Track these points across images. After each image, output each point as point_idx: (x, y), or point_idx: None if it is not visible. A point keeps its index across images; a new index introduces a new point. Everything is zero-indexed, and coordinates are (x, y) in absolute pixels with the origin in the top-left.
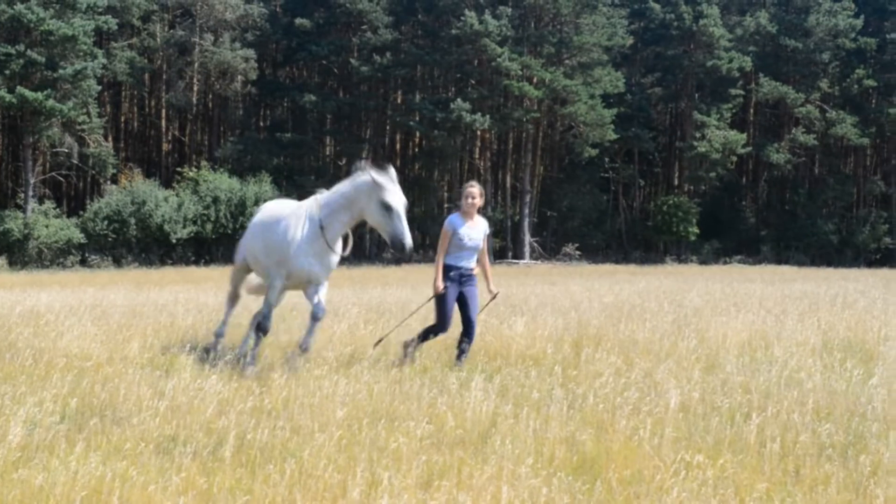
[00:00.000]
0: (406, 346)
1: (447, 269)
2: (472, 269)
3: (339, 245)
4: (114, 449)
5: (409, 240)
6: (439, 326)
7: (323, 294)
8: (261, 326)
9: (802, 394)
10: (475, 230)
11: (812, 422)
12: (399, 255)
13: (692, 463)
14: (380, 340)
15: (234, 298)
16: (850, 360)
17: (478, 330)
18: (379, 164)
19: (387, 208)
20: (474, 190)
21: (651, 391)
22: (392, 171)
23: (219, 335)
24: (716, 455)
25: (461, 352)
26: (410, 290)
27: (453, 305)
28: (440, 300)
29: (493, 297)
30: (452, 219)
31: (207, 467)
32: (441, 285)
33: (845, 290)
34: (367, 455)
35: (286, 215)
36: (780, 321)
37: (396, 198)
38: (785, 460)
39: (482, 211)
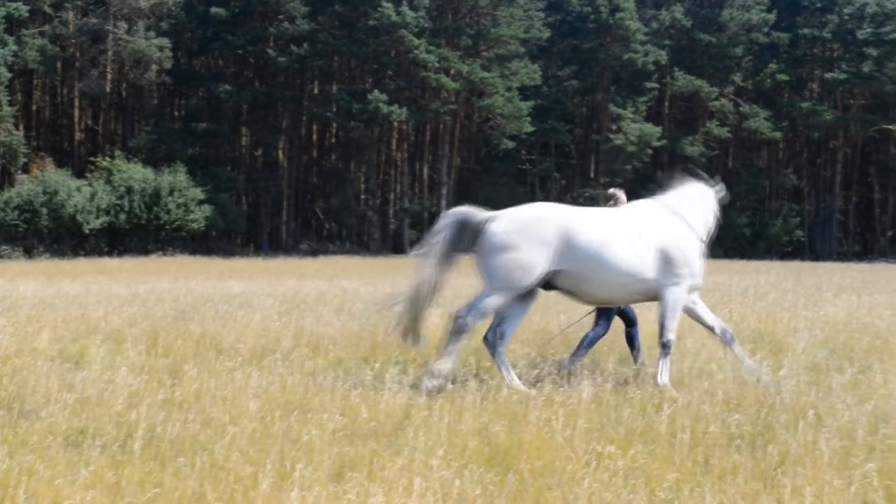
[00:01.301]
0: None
1: None
2: None
3: None
4: (21, 442)
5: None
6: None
7: None
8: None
9: (713, 385)
10: None
11: (722, 412)
12: None
13: (604, 453)
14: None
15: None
16: (761, 351)
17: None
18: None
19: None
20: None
21: (564, 383)
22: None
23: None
24: (627, 446)
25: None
26: (327, 281)
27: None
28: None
29: None
30: None
31: (116, 460)
32: None
33: (757, 283)
34: (279, 447)
35: None
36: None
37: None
38: (695, 450)
39: None
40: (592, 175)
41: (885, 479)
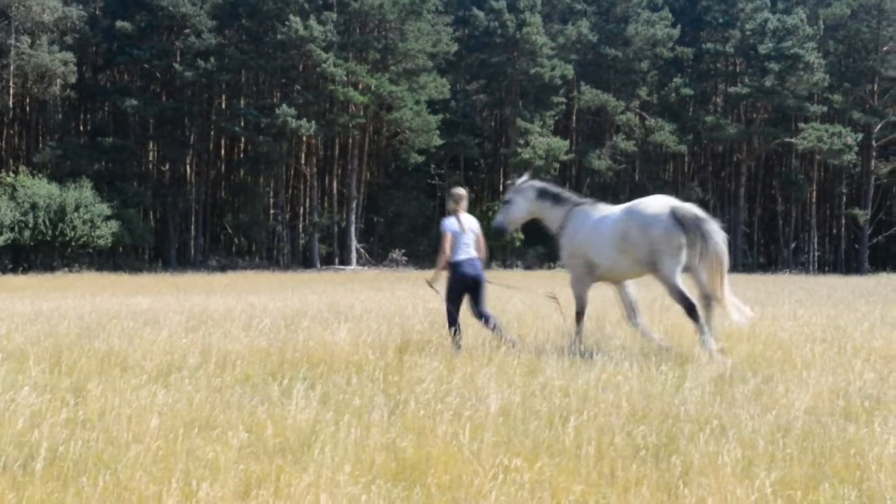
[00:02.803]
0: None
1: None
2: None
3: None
4: None
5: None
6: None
7: None
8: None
9: (619, 397)
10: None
11: (627, 424)
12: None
13: (510, 467)
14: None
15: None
16: (666, 363)
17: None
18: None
19: None
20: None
21: (472, 396)
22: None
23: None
24: (534, 458)
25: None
26: (235, 297)
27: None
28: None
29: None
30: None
31: (17, 482)
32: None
33: (663, 294)
34: (184, 465)
35: None
36: (600, 326)
37: None
38: (601, 462)
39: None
40: (501, 189)
41: (787, 489)
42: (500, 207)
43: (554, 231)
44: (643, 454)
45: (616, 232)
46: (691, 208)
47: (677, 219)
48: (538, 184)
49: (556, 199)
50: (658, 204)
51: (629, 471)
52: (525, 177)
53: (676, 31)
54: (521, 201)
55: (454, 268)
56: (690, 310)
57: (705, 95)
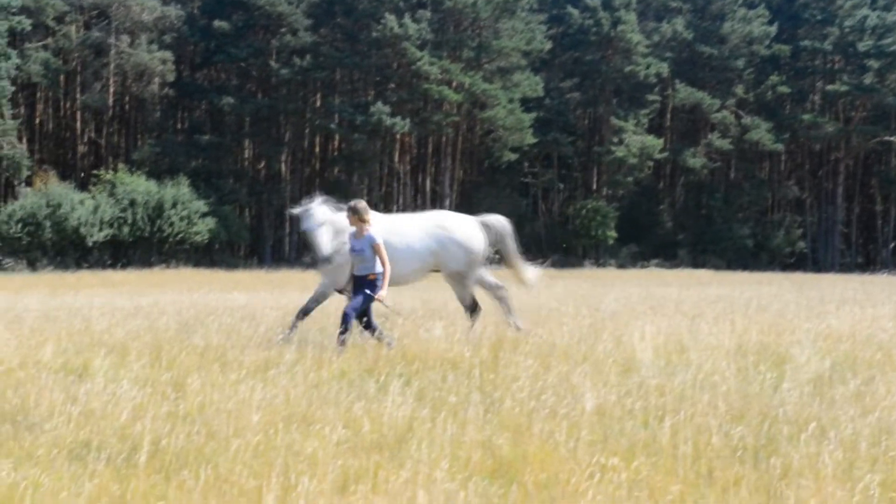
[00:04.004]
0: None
1: None
2: (363, 275)
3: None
4: (26, 455)
5: (321, 255)
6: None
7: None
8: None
9: (716, 397)
10: (357, 244)
11: (725, 424)
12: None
13: (607, 466)
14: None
15: None
16: (764, 363)
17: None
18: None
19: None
20: (348, 208)
21: (568, 395)
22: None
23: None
24: (630, 458)
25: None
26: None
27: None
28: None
29: (381, 301)
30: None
31: (121, 474)
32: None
33: (759, 294)
34: (283, 460)
35: None
36: (696, 325)
37: (305, 225)
38: (698, 462)
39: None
40: (595, 187)
41: (888, 491)
42: (317, 234)
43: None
44: (741, 455)
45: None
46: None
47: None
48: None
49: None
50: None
51: (727, 471)
52: (317, 199)
53: (773, 29)
54: (328, 218)
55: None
56: None
57: (802, 93)
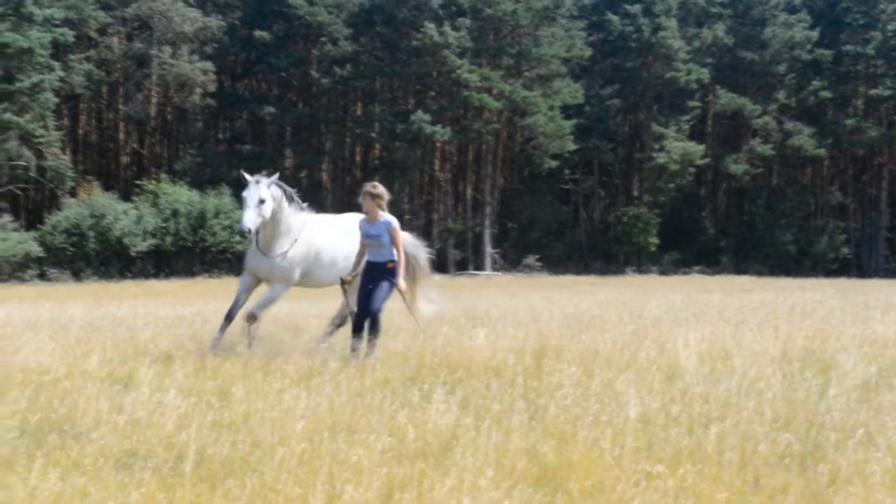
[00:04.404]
0: (352, 349)
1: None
2: (381, 263)
3: (277, 248)
4: (73, 464)
5: (240, 225)
6: (356, 315)
7: (266, 298)
8: (249, 314)
9: (761, 403)
10: (375, 228)
11: (771, 431)
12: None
13: (652, 473)
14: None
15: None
16: (809, 369)
17: (384, 326)
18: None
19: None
20: (367, 189)
21: (612, 402)
22: (273, 177)
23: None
24: (676, 465)
25: (368, 341)
26: None
27: (366, 294)
28: (358, 291)
29: (399, 290)
30: (360, 221)
31: (167, 482)
32: (348, 278)
33: (803, 300)
34: (328, 468)
35: None
36: (740, 331)
37: (245, 192)
38: (744, 470)
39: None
40: (636, 194)
41: None
42: (251, 207)
43: (273, 235)
44: (788, 462)
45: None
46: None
47: None
48: (283, 184)
49: (294, 202)
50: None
51: (774, 478)
52: (267, 176)
53: (815, 34)
54: (271, 201)
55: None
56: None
57: (845, 98)
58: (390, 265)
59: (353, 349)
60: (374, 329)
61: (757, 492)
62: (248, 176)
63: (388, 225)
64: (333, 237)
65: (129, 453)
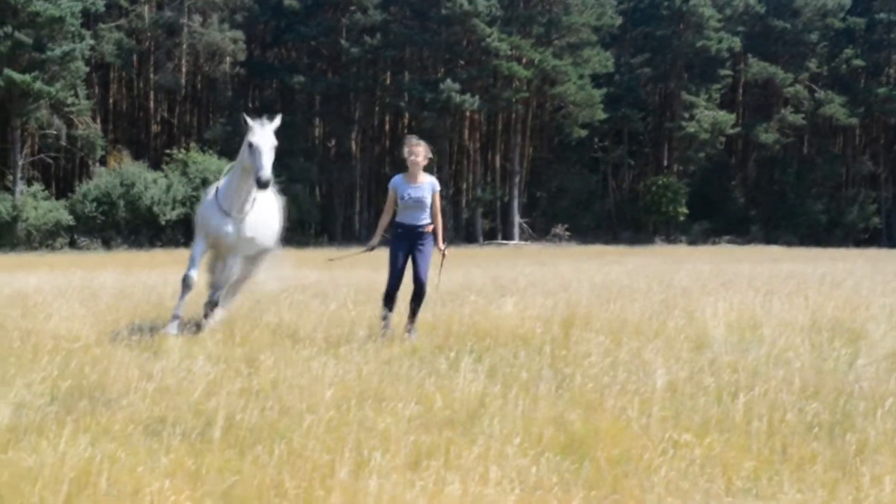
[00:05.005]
0: (383, 318)
1: (395, 226)
2: (421, 226)
3: (244, 210)
4: (102, 430)
5: (263, 173)
6: (388, 286)
7: (236, 272)
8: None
9: (790, 373)
10: (420, 188)
11: (799, 401)
12: (261, 190)
13: (680, 442)
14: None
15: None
16: (838, 339)
17: (429, 291)
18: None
19: (251, 147)
20: (415, 148)
21: (639, 371)
22: (276, 119)
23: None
24: (703, 434)
25: (412, 311)
26: None
27: (404, 262)
28: (389, 259)
29: (443, 256)
30: (395, 179)
31: (196, 448)
32: (374, 242)
33: (833, 270)
34: (356, 436)
35: (213, 184)
36: (769, 301)
37: (258, 136)
38: (772, 439)
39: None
40: (665, 163)
41: None
42: (267, 152)
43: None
44: (816, 431)
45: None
46: None
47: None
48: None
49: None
50: None
51: (802, 448)
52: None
53: (848, 1)
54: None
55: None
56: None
57: (878, 67)
58: (429, 228)
59: (385, 318)
60: (420, 300)
61: (785, 461)
62: (250, 120)
63: (433, 186)
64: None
65: (158, 420)
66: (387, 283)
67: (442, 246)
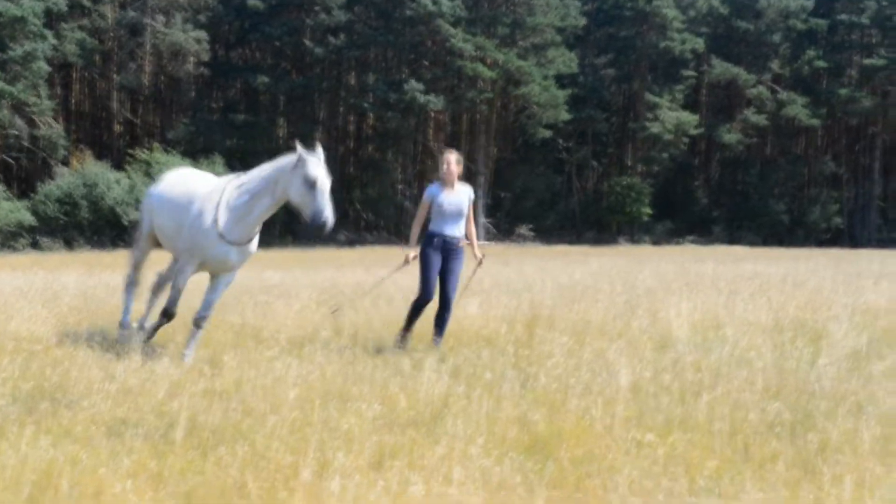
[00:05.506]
0: (403, 332)
1: (429, 236)
2: (457, 239)
3: (252, 234)
4: (64, 432)
5: (330, 217)
6: (422, 294)
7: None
8: (168, 312)
9: (752, 373)
10: (456, 198)
11: (761, 400)
12: (316, 235)
13: (643, 442)
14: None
15: (135, 284)
16: (800, 339)
17: (454, 310)
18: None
19: (310, 183)
20: (451, 157)
21: (603, 371)
22: (320, 149)
23: (126, 325)
24: (666, 434)
25: (438, 327)
26: (364, 271)
27: (437, 273)
28: (420, 266)
29: (479, 264)
30: (431, 188)
31: (158, 450)
32: (412, 254)
33: (796, 270)
34: (319, 436)
35: (200, 197)
36: (732, 301)
37: (321, 172)
38: (734, 438)
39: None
40: (629, 163)
41: None
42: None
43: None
44: (778, 430)
45: None
46: None
47: None
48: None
49: None
50: None
51: (764, 447)
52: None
53: (810, 3)
54: None
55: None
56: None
57: (839, 68)
58: (463, 243)
59: (404, 336)
60: (448, 318)
61: (747, 460)
62: (302, 148)
63: (469, 194)
64: None
65: (120, 421)
66: (420, 293)
67: (479, 253)
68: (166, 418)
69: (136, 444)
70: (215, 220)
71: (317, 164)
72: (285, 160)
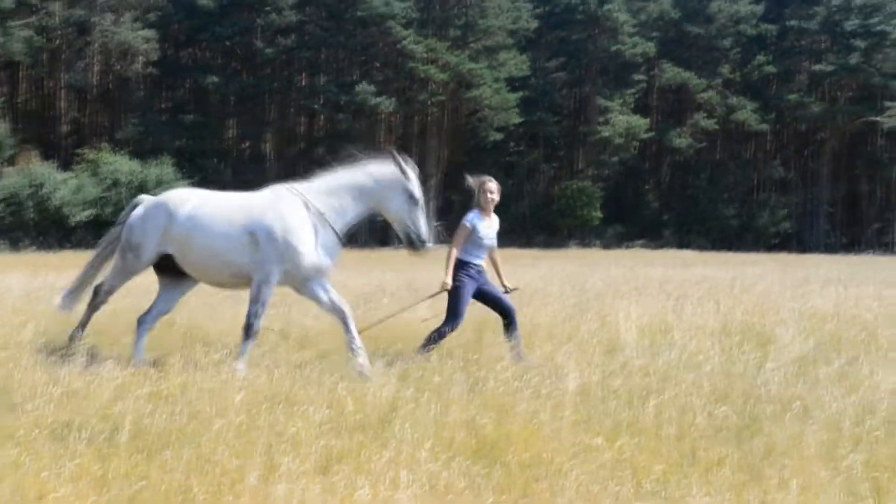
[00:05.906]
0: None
1: (465, 265)
2: (482, 263)
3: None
4: (7, 436)
5: (427, 239)
6: (455, 323)
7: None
8: (253, 328)
9: (700, 377)
10: (492, 228)
11: (709, 404)
12: (414, 254)
13: (591, 445)
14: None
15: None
16: (748, 343)
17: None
18: (399, 154)
19: (414, 201)
20: (493, 185)
21: (551, 375)
22: (411, 161)
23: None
24: (614, 437)
25: (515, 346)
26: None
27: (469, 301)
28: (456, 294)
29: (507, 292)
30: (472, 216)
31: (102, 453)
32: (450, 281)
33: (744, 274)
34: (266, 440)
35: (292, 217)
36: (680, 305)
37: (419, 191)
38: (682, 442)
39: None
40: (580, 167)
41: (872, 471)
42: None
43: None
44: (725, 434)
45: None
46: None
47: None
48: None
49: None
50: None
51: (711, 451)
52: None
53: (760, 8)
54: None
55: None
56: None
57: (789, 73)
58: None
59: (427, 348)
60: (516, 327)
61: (694, 464)
62: (400, 158)
63: (497, 221)
64: None
65: (64, 424)
66: (453, 321)
67: (509, 285)
68: (111, 422)
69: (80, 448)
70: (335, 233)
71: (416, 181)
72: (380, 170)
